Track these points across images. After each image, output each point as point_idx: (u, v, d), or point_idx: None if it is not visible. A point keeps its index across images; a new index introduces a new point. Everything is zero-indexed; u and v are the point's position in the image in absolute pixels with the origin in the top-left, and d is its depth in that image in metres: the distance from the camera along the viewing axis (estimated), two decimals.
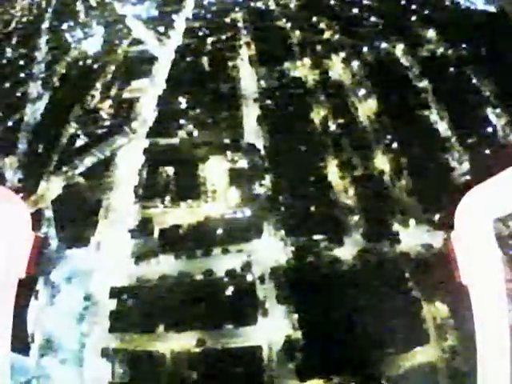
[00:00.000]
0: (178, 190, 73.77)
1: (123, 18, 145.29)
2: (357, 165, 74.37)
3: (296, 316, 52.30)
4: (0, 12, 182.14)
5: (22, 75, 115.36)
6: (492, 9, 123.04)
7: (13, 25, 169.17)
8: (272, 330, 52.07)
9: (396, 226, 63.17)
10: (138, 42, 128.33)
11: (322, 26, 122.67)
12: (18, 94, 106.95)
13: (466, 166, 72.02)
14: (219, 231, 63.90)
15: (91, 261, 66.48)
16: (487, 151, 72.39)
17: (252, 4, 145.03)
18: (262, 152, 79.53)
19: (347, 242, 60.93)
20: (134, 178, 78.89)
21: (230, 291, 55.85)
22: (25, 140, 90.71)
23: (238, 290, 55.42)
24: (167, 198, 72.47)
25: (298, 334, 50.48)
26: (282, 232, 62.81)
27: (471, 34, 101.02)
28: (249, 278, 57.07)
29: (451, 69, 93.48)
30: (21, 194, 62.53)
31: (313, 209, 65.75)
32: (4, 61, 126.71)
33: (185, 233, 65.55)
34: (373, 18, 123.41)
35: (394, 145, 77.30)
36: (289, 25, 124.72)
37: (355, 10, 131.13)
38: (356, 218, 64.64)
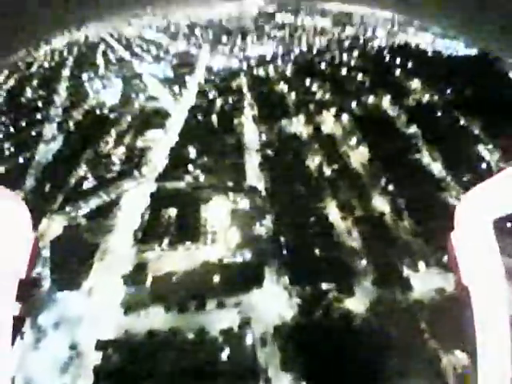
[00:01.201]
0: (178, 232, 60.91)
1: (140, 75, 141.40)
2: (356, 206, 63.32)
3: None
4: (24, 54, 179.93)
5: (39, 116, 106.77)
6: (473, 52, 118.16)
7: (34, 68, 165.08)
8: None
9: (406, 271, 49.87)
10: (153, 98, 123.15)
11: (315, 87, 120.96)
12: (33, 134, 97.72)
13: None
14: (216, 279, 49.39)
15: (81, 307, 53.04)
16: None
17: (254, 71, 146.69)
18: (263, 193, 69.49)
19: (358, 290, 46.84)
20: (135, 221, 66.45)
21: (225, 355, 40.27)
22: (33, 178, 79.38)
23: (235, 354, 39.89)
24: (165, 241, 59.26)
25: None
26: (286, 279, 48.61)
27: (455, 79, 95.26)
28: (248, 339, 41.42)
29: (438, 113, 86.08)
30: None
31: (317, 252, 52.24)
32: (23, 100, 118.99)
33: (178, 281, 50.89)
34: (359, 76, 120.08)
35: (390, 187, 66.75)
36: (286, 88, 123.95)
37: (344, 71, 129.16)
38: (364, 262, 51.17)
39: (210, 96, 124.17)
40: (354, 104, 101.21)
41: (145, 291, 50.75)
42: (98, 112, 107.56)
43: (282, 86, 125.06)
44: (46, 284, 57.46)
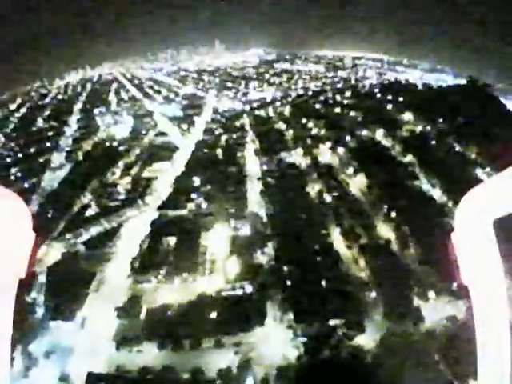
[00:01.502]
0: (176, 262, 56.38)
1: (151, 113, 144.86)
2: (360, 233, 59.42)
3: None
4: (38, 86, 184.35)
5: (48, 145, 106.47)
6: (462, 81, 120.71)
7: (48, 99, 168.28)
8: None
9: (416, 301, 44.88)
10: (162, 133, 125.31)
11: (310, 124, 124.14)
12: (41, 161, 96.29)
13: None
14: (213, 315, 43.60)
15: (73, 338, 48.64)
16: None
17: (256, 112, 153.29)
18: (265, 219, 66.66)
19: (368, 325, 41.46)
20: (134, 250, 62.48)
21: None
22: (37, 203, 76.91)
23: None
24: (162, 272, 54.57)
25: None
26: (290, 315, 43.01)
27: (446, 108, 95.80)
28: (248, 381, 35.22)
29: (433, 142, 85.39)
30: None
31: (323, 283, 47.06)
32: (34, 128, 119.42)
33: (173, 316, 45.35)
34: (352, 113, 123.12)
35: (393, 214, 63.39)
36: (284, 126, 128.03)
37: (337, 110, 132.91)
38: (373, 294, 46.22)
39: (216, 132, 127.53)
40: (348, 137, 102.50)
41: (138, 324, 45.23)
42: (107, 144, 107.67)
43: (281, 125, 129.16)
44: (40, 311, 53.33)
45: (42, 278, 57.81)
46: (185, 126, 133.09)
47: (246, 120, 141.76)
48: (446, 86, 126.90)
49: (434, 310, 44.37)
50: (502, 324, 4.68)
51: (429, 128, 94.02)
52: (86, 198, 79.38)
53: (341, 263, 51.86)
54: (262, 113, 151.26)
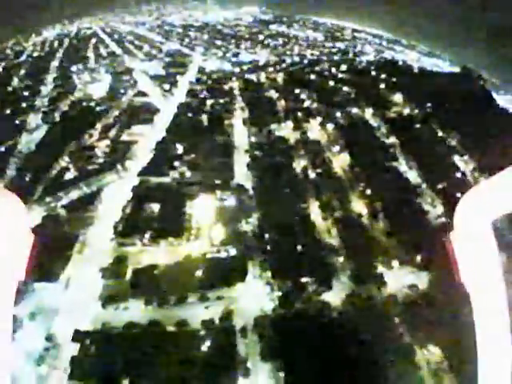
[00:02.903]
0: (160, 227, 61.12)
1: (131, 70, 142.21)
2: (336, 207, 67.65)
3: (282, 374, 38.51)
4: (13, 43, 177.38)
5: (24, 105, 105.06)
6: (457, 69, 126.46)
7: (23, 57, 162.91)
8: None
9: (380, 268, 53.48)
10: (142, 94, 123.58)
11: (303, 96, 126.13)
12: (17, 122, 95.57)
13: (440, 209, 65.60)
14: (198, 273, 50.17)
15: (58, 298, 53.02)
16: (459, 194, 64.99)
17: (246, 76, 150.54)
18: (251, 192, 71.89)
19: (335, 285, 49.64)
20: (116, 214, 66.14)
21: (205, 346, 41.16)
22: (14, 166, 77.80)
23: (215, 345, 40.93)
24: (147, 236, 59.26)
25: None
26: (269, 274, 50.65)
27: (436, 93, 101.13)
28: (229, 329, 42.79)
29: (417, 125, 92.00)
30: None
31: (299, 248, 55.09)
32: (9, 89, 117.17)
33: (160, 274, 51.26)
34: (346, 88, 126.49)
35: (368, 191, 71.48)
36: (276, 95, 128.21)
37: (331, 83, 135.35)
38: (341, 259, 54.35)
39: (201, 95, 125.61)
40: (338, 113, 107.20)
41: (124, 284, 50.65)
42: (84, 104, 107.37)
43: (273, 93, 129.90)
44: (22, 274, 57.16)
45: None
46: (167, 86, 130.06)
47: (234, 83, 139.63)
48: (439, 73, 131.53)
49: (397, 278, 52.48)
50: (502, 325, 4.80)
51: (416, 111, 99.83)
52: (64, 160, 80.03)
53: (315, 232, 59.66)
54: (252, 77, 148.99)
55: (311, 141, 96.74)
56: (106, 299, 49.50)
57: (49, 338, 48.15)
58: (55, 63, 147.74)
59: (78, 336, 46.07)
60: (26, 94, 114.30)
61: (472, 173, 73.90)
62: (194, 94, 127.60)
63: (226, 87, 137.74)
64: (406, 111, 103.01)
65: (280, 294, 47.47)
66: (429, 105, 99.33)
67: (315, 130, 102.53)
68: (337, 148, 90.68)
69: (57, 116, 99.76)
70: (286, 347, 39.81)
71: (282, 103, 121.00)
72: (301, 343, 40.11)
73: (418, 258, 54.72)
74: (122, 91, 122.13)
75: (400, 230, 59.30)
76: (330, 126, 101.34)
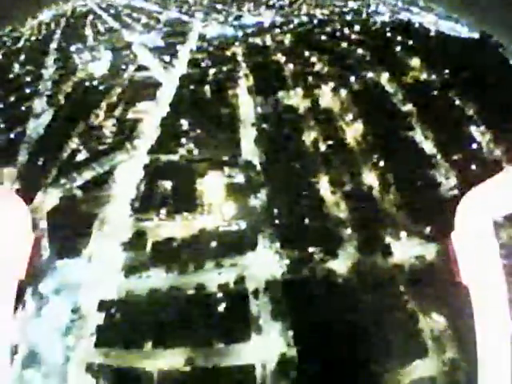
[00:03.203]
0: (175, 203, 67.65)
1: (130, 44, 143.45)
2: (346, 181, 70.55)
3: (291, 333, 45.22)
4: (10, 29, 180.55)
5: (28, 91, 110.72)
6: (475, 35, 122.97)
7: (21, 42, 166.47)
8: (266, 347, 44.75)
9: (388, 239, 57.89)
10: (143, 68, 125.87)
11: (313, 59, 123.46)
12: (23, 109, 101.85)
13: (453, 180, 67.73)
14: (213, 244, 57.34)
15: (81, 273, 59.89)
16: (473, 166, 67.89)
17: (250, 40, 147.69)
18: (259, 168, 75.79)
19: (341, 254, 55.08)
20: (131, 192, 72.84)
21: (222, 307, 48.57)
22: (25, 152, 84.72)
23: (230, 306, 48.23)
24: (163, 211, 66.12)
25: (293, 352, 43.37)
26: (277, 244, 56.73)
27: (454, 59, 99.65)
28: (242, 292, 50.02)
29: (434, 92, 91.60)
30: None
31: (307, 222, 60.26)
32: (11, 76, 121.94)
33: (178, 246, 58.57)
34: (360, 51, 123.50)
35: (381, 163, 73.69)
36: (283, 59, 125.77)
37: (344, 44, 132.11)
38: (349, 230, 59.20)
39: (203, 64, 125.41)
40: (352, 78, 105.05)
41: (145, 255, 58.10)
42: (87, 84, 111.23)
43: (280, 57, 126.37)
44: (45, 254, 62.85)
45: (43, 224, 67.40)
46: (167, 58, 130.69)
47: (238, 49, 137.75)
48: (457, 38, 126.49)
49: (404, 249, 56.72)
50: (501, 323, 5.08)
51: (433, 77, 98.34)
52: (74, 142, 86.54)
53: (324, 206, 64.16)
54: (257, 41, 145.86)
55: (322, 109, 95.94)
56: (129, 270, 57.15)
57: (74, 311, 54.73)
58: (54, 45, 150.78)
59: (103, 306, 52.98)
60: (28, 79, 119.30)
61: (488, 144, 74.69)
62: (195, 63, 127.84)
63: (229, 53, 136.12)
64: (423, 77, 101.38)
65: (288, 261, 53.93)
66: (446, 71, 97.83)
67: (327, 97, 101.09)
68: (350, 117, 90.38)
69: (61, 99, 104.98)
70: (294, 308, 46.65)
71: (289, 68, 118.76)
72: (307, 305, 46.80)
73: (427, 229, 58.12)
74: (123, 67, 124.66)
75: (411, 202, 62.40)
76: (343, 92, 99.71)
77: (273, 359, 43.05)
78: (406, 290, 50.12)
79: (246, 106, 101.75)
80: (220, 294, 49.89)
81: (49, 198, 73.49)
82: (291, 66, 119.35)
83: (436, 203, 61.06)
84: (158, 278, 54.98)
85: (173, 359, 44.96)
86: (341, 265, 53.53)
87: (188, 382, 42.50)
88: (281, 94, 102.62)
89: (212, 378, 41.90)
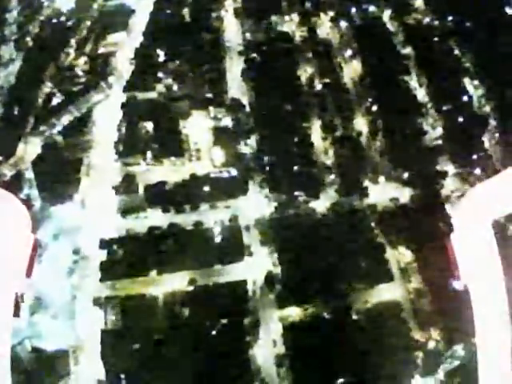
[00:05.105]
0: (160, 147, 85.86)
1: None
2: (338, 126, 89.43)
3: (276, 255, 70.96)
4: None
5: None
6: None
7: None
8: (255, 266, 70.46)
9: (366, 182, 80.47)
10: None
11: None
12: None
13: (439, 131, 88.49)
14: (206, 188, 78.81)
15: (77, 217, 76.47)
16: (460, 119, 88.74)
17: None
18: (247, 109, 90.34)
19: (322, 196, 79.28)
20: (113, 135, 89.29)
21: (218, 239, 73.41)
22: (0, 104, 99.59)
23: (226, 237, 73.25)
24: (149, 156, 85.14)
25: (278, 270, 69.40)
26: (267, 190, 79.93)
27: (458, 7, 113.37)
28: (236, 227, 75.00)
29: (435, 38, 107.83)
30: None
31: (295, 168, 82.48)
32: None
33: (171, 189, 79.60)
34: None
35: (374, 108, 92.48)
36: None
37: None
38: (332, 176, 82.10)
39: None
40: (353, 9, 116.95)
41: (139, 197, 78.72)
42: (54, 21, 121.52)
43: None
44: (37, 203, 78.95)
45: (29, 174, 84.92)
46: None
47: None
48: None
49: (381, 192, 79.08)
50: (501, 322, 12.71)
51: (436, 22, 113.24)
52: (47, 86, 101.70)
53: (313, 153, 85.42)
54: None
55: (320, 40, 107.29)
56: (125, 211, 77.39)
57: (76, 252, 71.01)
58: None
59: (104, 243, 72.21)
60: None
61: (479, 99, 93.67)
62: None
63: None
64: (426, 20, 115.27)
65: (276, 204, 78.08)
66: (450, 18, 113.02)
67: (325, 27, 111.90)
68: (349, 52, 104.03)
69: (29, 41, 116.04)
70: (279, 238, 72.40)
71: None
72: (291, 236, 72.29)
73: (405, 175, 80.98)
74: None
75: (394, 148, 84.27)
76: (343, 24, 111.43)
77: (261, 275, 68.77)
78: (376, 226, 72.59)
79: (233, 32, 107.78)
80: (216, 229, 74.20)
81: (31, 148, 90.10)
82: None
83: (418, 151, 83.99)
84: (156, 218, 76.75)
85: (176, 282, 68.28)
86: (321, 205, 78.06)
87: (192, 299, 66.10)
88: (274, 18, 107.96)
89: (212, 293, 66.26)
